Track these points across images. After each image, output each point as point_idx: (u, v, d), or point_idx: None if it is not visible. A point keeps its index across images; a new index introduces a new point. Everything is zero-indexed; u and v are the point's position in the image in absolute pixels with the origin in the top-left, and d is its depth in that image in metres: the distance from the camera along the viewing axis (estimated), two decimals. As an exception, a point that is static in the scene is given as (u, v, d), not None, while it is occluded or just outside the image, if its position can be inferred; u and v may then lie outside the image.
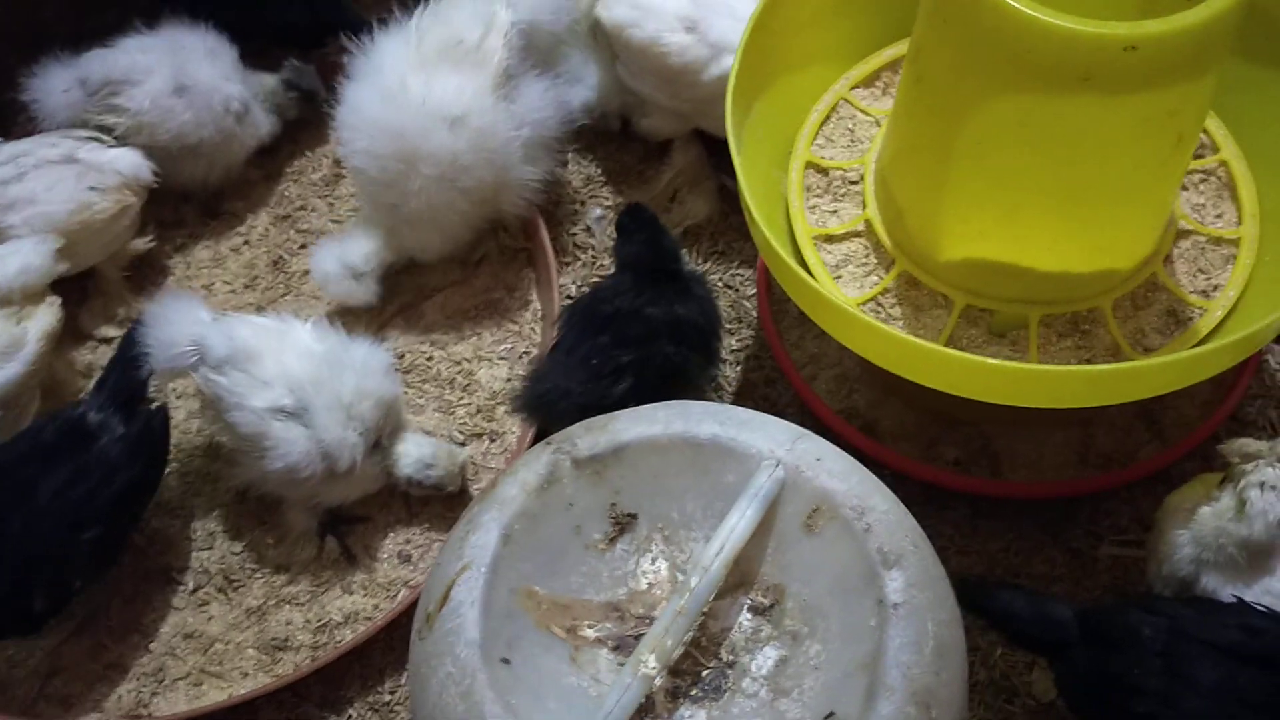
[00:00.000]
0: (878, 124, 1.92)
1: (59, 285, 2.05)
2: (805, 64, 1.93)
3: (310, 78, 2.33)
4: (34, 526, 1.75)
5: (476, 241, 2.24)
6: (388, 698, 1.86)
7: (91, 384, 2.12)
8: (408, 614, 1.86)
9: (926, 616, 1.28)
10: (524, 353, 2.16)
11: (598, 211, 2.30)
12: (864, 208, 1.84)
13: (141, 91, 2.18)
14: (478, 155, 2.05)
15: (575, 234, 2.28)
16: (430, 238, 2.15)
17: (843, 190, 1.88)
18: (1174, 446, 1.89)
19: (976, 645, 1.79)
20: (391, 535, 1.99)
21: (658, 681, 1.28)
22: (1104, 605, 1.65)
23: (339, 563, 1.97)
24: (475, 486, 2.02)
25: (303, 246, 2.31)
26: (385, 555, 1.98)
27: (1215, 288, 1.74)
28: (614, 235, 2.05)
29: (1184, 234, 1.78)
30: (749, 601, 1.36)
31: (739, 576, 1.36)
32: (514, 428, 2.07)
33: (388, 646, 1.90)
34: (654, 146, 2.32)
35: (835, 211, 1.86)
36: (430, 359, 2.16)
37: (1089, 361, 1.68)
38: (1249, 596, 1.54)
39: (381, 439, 1.90)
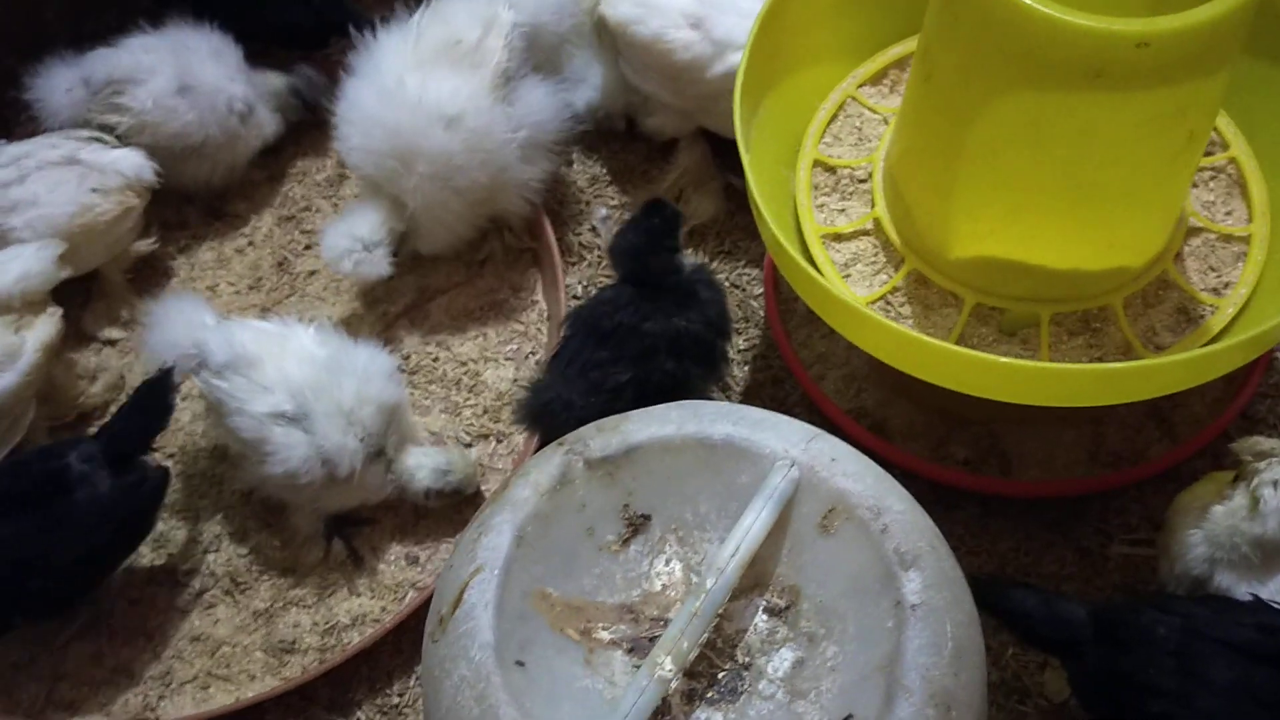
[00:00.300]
0: (886, 122, 1.92)
1: (61, 287, 2.04)
2: (813, 61, 1.93)
3: (317, 90, 2.32)
4: None
5: (481, 242, 2.24)
6: (396, 700, 1.86)
7: (95, 385, 2.13)
8: (416, 616, 1.85)
9: (945, 618, 1.27)
10: (530, 353, 2.15)
11: (603, 211, 2.29)
12: (872, 206, 1.83)
13: (145, 91, 2.17)
14: (473, 156, 2.05)
15: (580, 234, 2.28)
16: (432, 231, 2.14)
17: (851, 188, 1.87)
18: (1184, 445, 1.88)
19: (988, 646, 1.76)
20: (398, 537, 1.99)
21: (674, 684, 1.28)
22: (1117, 604, 1.64)
23: (346, 565, 1.96)
24: (484, 488, 2.01)
25: (307, 247, 2.30)
26: (392, 557, 1.97)
27: (1226, 285, 1.73)
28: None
29: (1194, 231, 1.78)
30: (764, 603, 1.35)
31: (754, 578, 1.35)
32: (521, 428, 2.06)
33: (396, 649, 1.89)
34: (659, 146, 2.31)
35: (843, 210, 1.86)
36: (436, 360, 2.15)
37: (1100, 360, 1.67)
38: (1264, 594, 1.53)
39: (386, 447, 1.89)
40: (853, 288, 1.78)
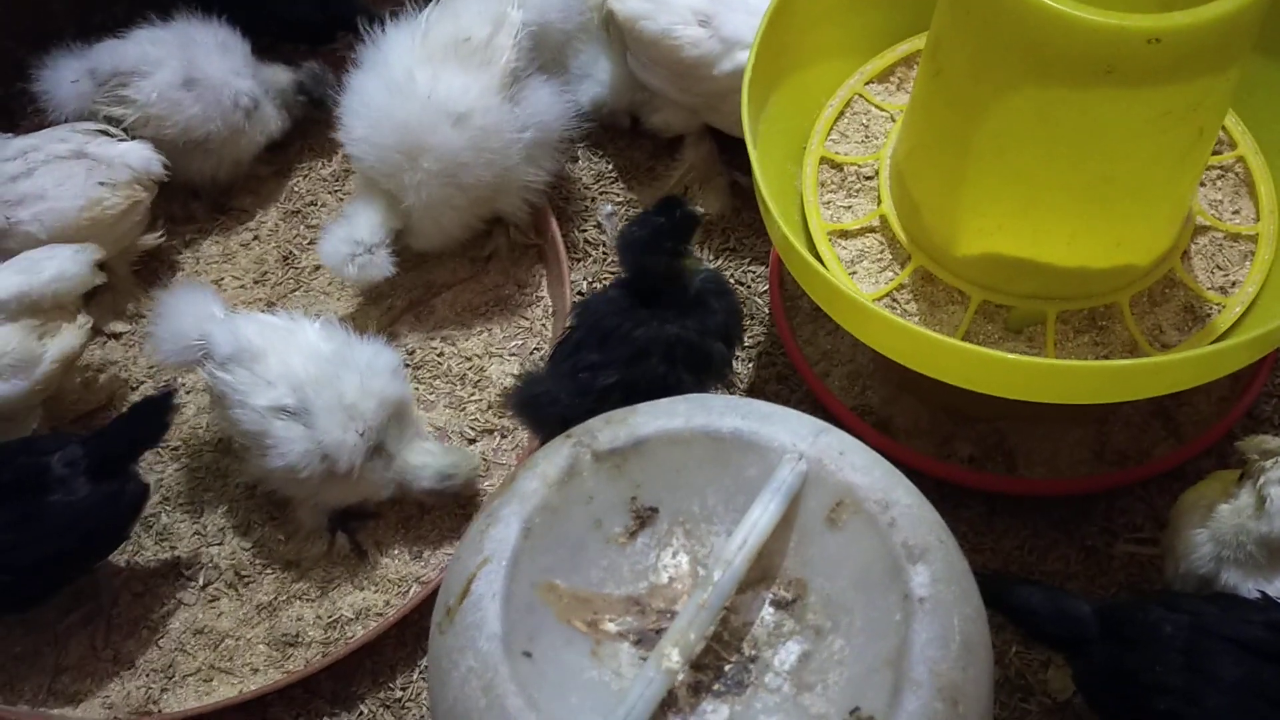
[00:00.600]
0: (892, 119, 1.92)
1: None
2: (819, 59, 1.93)
3: (324, 85, 2.32)
4: None
5: (486, 238, 2.24)
6: (399, 694, 1.85)
7: (94, 384, 2.13)
8: (419, 610, 1.85)
9: (953, 611, 1.27)
10: (535, 349, 2.15)
11: (608, 208, 2.29)
12: (879, 203, 1.83)
13: (150, 83, 2.17)
14: (479, 154, 2.05)
15: (586, 230, 2.28)
16: (427, 229, 2.14)
17: (857, 185, 1.87)
18: (1190, 444, 1.88)
19: (991, 644, 1.77)
20: (402, 531, 1.98)
21: (680, 676, 1.27)
22: (1123, 602, 1.64)
23: (350, 559, 1.96)
24: (487, 484, 2.01)
25: (312, 242, 2.29)
26: (396, 551, 1.97)
27: (1233, 284, 1.73)
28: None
29: (1202, 230, 1.78)
30: (771, 596, 1.35)
31: (761, 571, 1.34)
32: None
33: (399, 643, 1.89)
34: (664, 142, 2.31)
35: (850, 207, 1.86)
36: (441, 355, 2.15)
37: (1106, 357, 1.67)
38: (1270, 592, 1.53)
39: (387, 441, 1.88)
40: (859, 284, 1.77)
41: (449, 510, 1.99)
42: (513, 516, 1.36)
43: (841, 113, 1.94)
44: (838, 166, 1.89)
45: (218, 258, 2.30)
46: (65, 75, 2.17)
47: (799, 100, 1.92)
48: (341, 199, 2.36)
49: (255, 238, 2.33)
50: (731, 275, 2.17)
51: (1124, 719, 1.56)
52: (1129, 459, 1.90)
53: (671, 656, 1.25)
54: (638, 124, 2.32)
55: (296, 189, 2.38)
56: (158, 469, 2.05)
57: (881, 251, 1.82)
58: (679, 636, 1.26)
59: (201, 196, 2.35)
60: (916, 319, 1.74)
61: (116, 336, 2.21)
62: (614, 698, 1.26)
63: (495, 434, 2.08)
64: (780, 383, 2.07)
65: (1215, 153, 1.81)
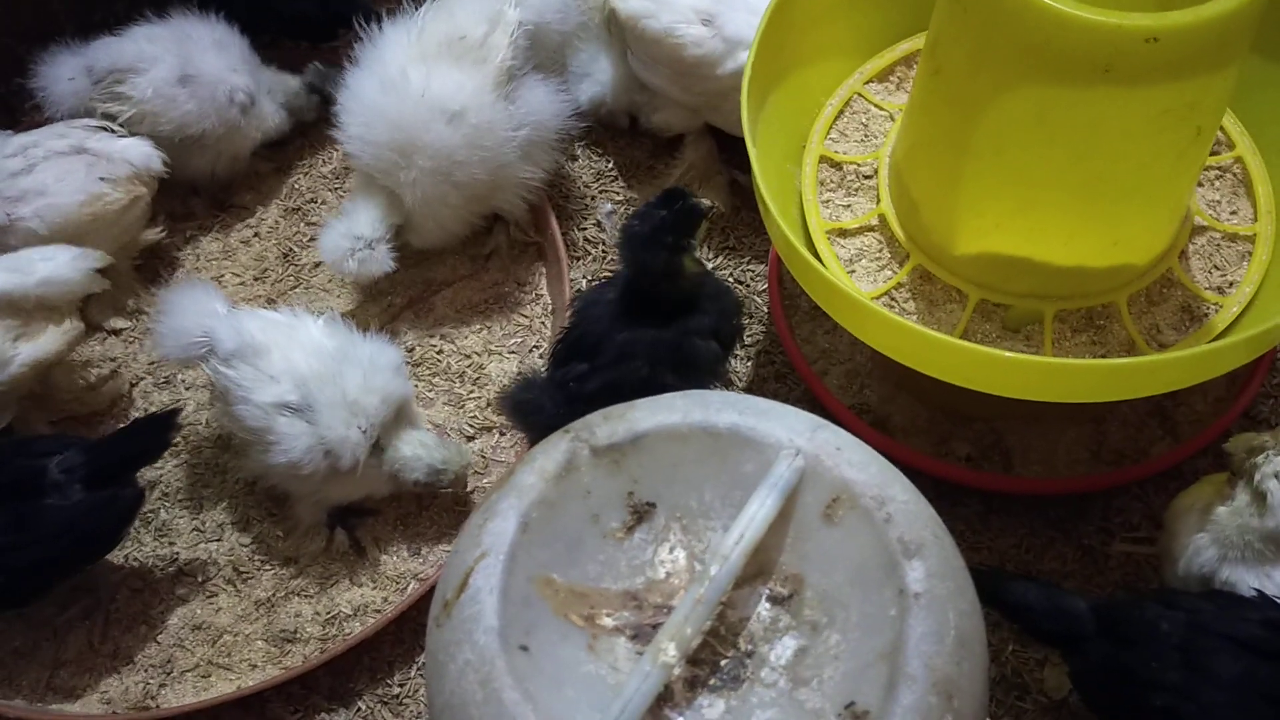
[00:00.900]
0: (891, 118, 1.92)
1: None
2: (819, 58, 1.93)
3: (332, 80, 2.32)
4: None
5: (486, 235, 2.24)
6: (397, 690, 1.86)
7: (99, 387, 2.13)
8: (417, 607, 1.86)
9: (948, 607, 1.27)
10: (534, 346, 2.16)
11: (608, 206, 2.30)
12: (878, 202, 1.83)
13: (145, 80, 2.17)
14: (473, 152, 2.05)
15: (585, 229, 2.28)
16: (426, 226, 2.14)
17: (856, 185, 1.88)
18: (1187, 443, 1.89)
19: (987, 642, 1.78)
20: (401, 528, 1.99)
21: (676, 670, 1.27)
22: (1120, 599, 1.65)
23: (348, 555, 1.97)
24: (485, 480, 2.01)
25: (312, 239, 2.30)
26: (394, 548, 1.97)
27: (1231, 284, 1.74)
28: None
29: (1199, 230, 1.78)
30: (768, 591, 1.35)
31: (757, 566, 1.35)
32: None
33: (397, 639, 1.89)
34: (664, 141, 2.32)
35: (849, 206, 1.86)
36: (440, 353, 2.16)
37: (1104, 356, 1.68)
38: (1270, 589, 1.53)
39: (385, 437, 1.88)
40: (857, 283, 1.78)
41: (447, 507, 2.00)
42: (510, 511, 1.36)
43: (841, 112, 1.94)
44: (837, 165, 1.89)
45: (218, 255, 2.31)
46: (62, 72, 2.18)
47: (799, 99, 1.92)
48: (342, 196, 2.36)
49: (255, 235, 2.33)
50: (730, 274, 2.18)
51: (1120, 717, 1.56)
52: (1126, 458, 1.90)
53: (668, 651, 1.25)
54: (635, 124, 2.32)
55: (297, 186, 2.39)
56: (157, 466, 2.04)
57: (880, 250, 1.82)
58: (675, 631, 1.26)
59: (201, 193, 2.35)
60: (915, 318, 1.74)
61: (117, 333, 2.21)
62: (610, 692, 1.26)
63: (494, 431, 2.08)
64: (779, 381, 2.07)
65: (1213, 153, 1.81)
